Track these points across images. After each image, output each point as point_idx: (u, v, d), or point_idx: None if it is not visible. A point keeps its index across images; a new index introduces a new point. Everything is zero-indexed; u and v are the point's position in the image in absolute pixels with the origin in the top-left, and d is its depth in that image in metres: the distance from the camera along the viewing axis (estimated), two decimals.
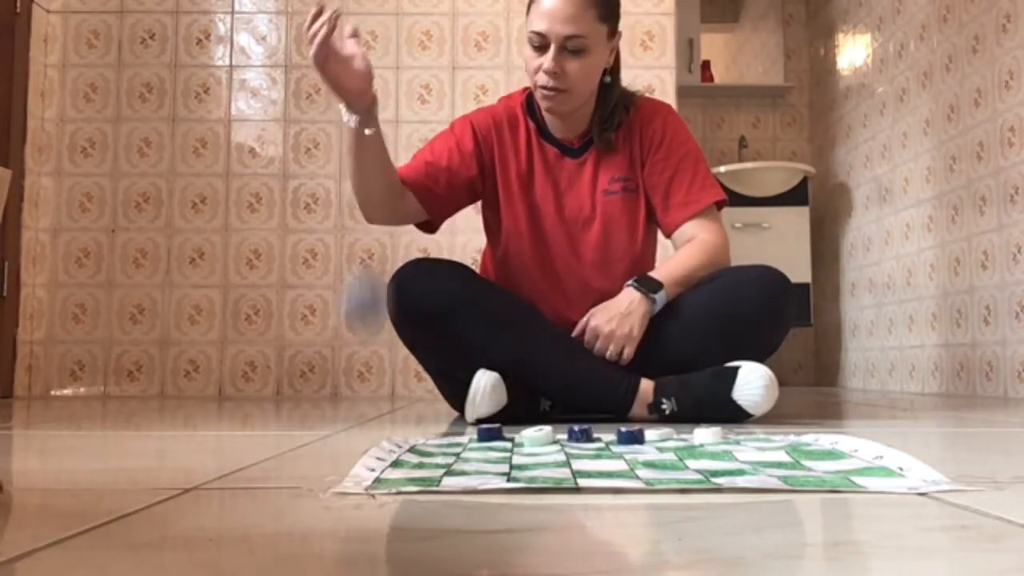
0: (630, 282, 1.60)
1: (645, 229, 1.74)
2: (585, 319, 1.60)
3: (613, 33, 1.65)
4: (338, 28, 1.43)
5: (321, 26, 1.40)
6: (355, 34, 1.45)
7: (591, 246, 1.70)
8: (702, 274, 1.62)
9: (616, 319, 1.55)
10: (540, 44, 1.59)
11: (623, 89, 1.74)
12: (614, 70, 1.71)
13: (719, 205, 1.71)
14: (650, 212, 1.74)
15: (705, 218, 1.68)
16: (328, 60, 1.43)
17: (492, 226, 1.78)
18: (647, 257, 1.76)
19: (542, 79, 1.60)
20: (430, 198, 1.68)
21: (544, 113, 1.72)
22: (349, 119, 1.54)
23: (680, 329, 1.57)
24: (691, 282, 1.62)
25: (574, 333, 1.61)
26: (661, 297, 1.58)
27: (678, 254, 1.68)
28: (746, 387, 1.48)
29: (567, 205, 1.71)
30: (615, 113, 1.70)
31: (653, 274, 1.62)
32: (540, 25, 1.57)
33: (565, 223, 1.71)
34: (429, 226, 1.76)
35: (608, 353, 1.55)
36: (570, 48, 1.58)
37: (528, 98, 1.75)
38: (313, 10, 1.42)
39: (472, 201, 1.77)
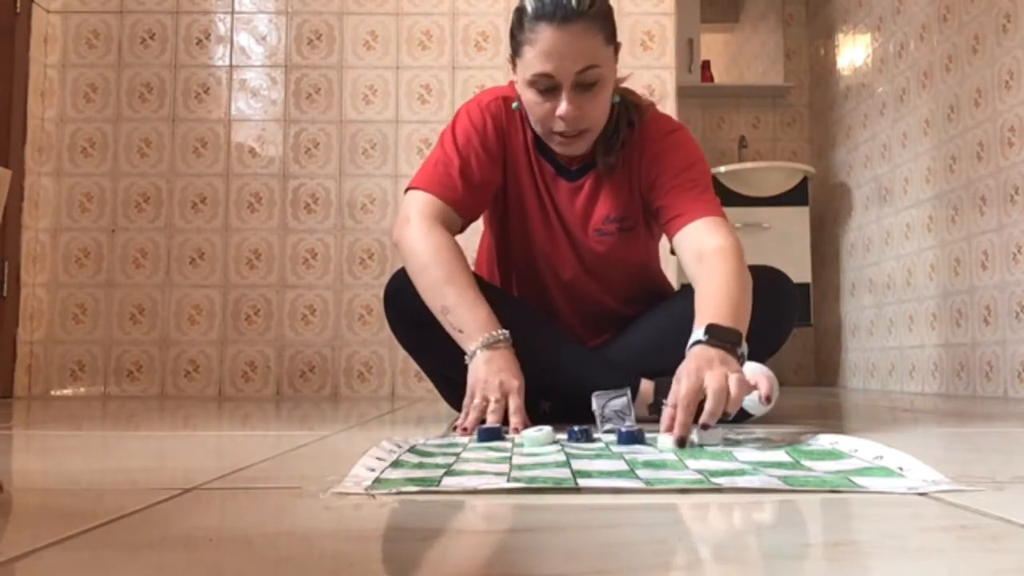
0: (694, 341, 1.22)
1: (643, 254, 1.67)
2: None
3: (617, 49, 1.48)
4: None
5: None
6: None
7: (581, 269, 1.64)
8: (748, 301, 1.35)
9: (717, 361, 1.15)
10: (548, 87, 1.40)
11: (628, 95, 1.58)
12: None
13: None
14: (649, 236, 1.67)
15: (716, 221, 1.46)
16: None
17: (496, 224, 1.71)
18: (649, 266, 1.73)
19: (559, 125, 1.43)
20: (468, 212, 1.56)
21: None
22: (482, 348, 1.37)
23: (683, 331, 1.55)
24: (745, 314, 1.31)
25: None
26: (744, 353, 1.24)
27: (708, 291, 1.35)
28: None
29: (563, 224, 1.62)
30: (619, 129, 1.55)
31: (715, 320, 1.24)
32: (546, 66, 1.37)
33: (567, 238, 1.63)
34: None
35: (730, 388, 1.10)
36: (584, 83, 1.39)
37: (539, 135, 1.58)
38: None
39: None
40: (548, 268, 1.67)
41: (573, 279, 1.66)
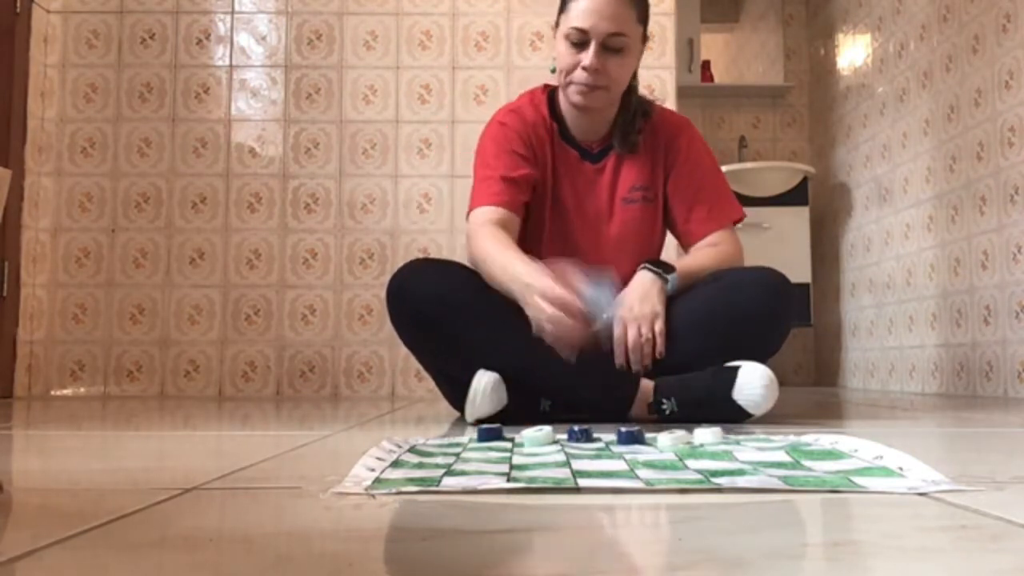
0: (640, 266, 1.63)
1: (661, 235, 1.79)
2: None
3: (645, 38, 1.69)
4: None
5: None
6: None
7: (608, 243, 1.74)
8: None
9: (636, 303, 1.57)
10: (580, 40, 1.61)
11: (639, 95, 1.78)
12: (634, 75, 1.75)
13: (737, 221, 1.78)
14: (665, 220, 1.79)
15: (724, 233, 1.75)
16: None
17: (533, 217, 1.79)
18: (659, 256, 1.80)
19: (580, 75, 1.62)
20: (521, 207, 1.68)
21: (566, 113, 1.74)
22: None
23: (680, 329, 1.57)
24: (699, 278, 1.65)
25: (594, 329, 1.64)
26: (673, 278, 1.61)
27: (693, 254, 1.73)
28: (746, 387, 1.48)
29: (587, 208, 1.74)
30: (636, 118, 1.74)
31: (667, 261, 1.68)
32: (584, 21, 1.59)
33: (585, 222, 1.73)
34: None
35: (643, 333, 1.54)
36: (611, 46, 1.60)
37: (550, 98, 1.77)
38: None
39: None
40: (565, 252, 1.71)
41: (592, 260, 1.71)
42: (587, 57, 1.60)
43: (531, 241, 1.74)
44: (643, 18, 1.66)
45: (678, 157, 1.75)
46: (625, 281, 1.71)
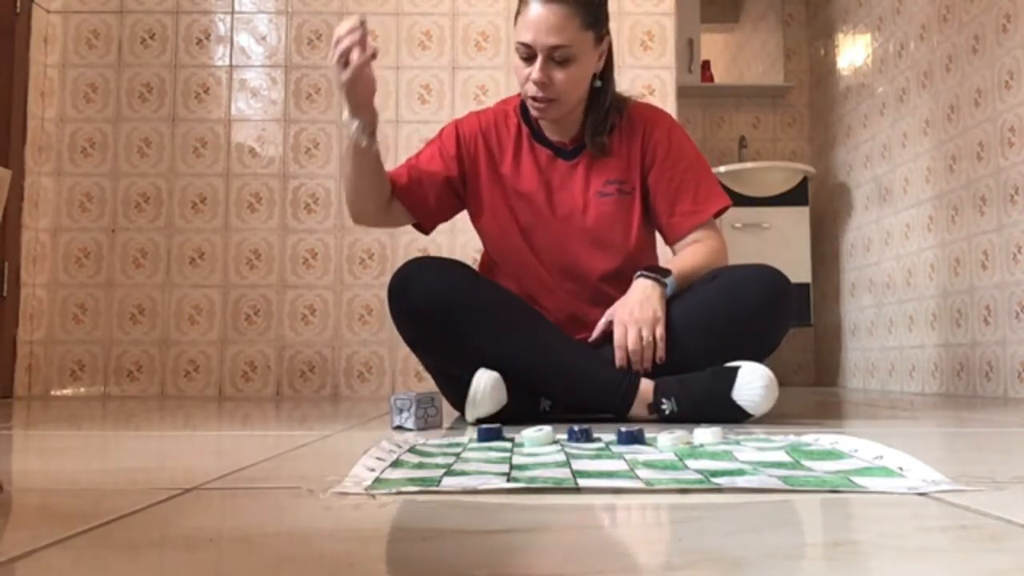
0: (637, 273, 1.62)
1: (640, 228, 1.74)
2: (604, 320, 1.62)
3: (600, 39, 1.65)
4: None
5: (354, 44, 1.47)
6: (375, 55, 1.52)
7: (583, 236, 1.71)
8: (702, 273, 1.65)
9: (636, 306, 1.56)
10: (527, 55, 1.60)
11: (617, 93, 1.74)
12: (605, 73, 1.71)
13: (722, 211, 1.74)
14: (646, 213, 1.75)
15: (707, 228, 1.72)
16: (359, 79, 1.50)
17: (480, 226, 1.79)
18: (644, 251, 1.76)
19: (531, 89, 1.62)
20: (414, 201, 1.72)
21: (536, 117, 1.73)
22: (351, 125, 1.57)
23: (680, 329, 1.57)
24: (693, 279, 1.64)
25: (593, 336, 1.63)
26: (671, 282, 1.60)
27: (681, 254, 1.71)
28: (746, 387, 1.48)
29: (558, 203, 1.72)
30: (608, 116, 1.71)
31: (663, 266, 1.67)
32: (526, 36, 1.58)
33: (557, 219, 1.72)
34: (422, 227, 1.80)
35: (644, 336, 1.54)
36: (556, 58, 1.59)
37: (524, 101, 1.76)
38: (349, 24, 1.48)
39: (459, 204, 1.78)
40: (545, 251, 1.72)
41: (568, 255, 1.72)
42: (533, 72, 1.60)
43: (504, 241, 1.74)
44: (591, 23, 1.60)
45: (657, 151, 1.71)
46: (605, 275, 1.71)
